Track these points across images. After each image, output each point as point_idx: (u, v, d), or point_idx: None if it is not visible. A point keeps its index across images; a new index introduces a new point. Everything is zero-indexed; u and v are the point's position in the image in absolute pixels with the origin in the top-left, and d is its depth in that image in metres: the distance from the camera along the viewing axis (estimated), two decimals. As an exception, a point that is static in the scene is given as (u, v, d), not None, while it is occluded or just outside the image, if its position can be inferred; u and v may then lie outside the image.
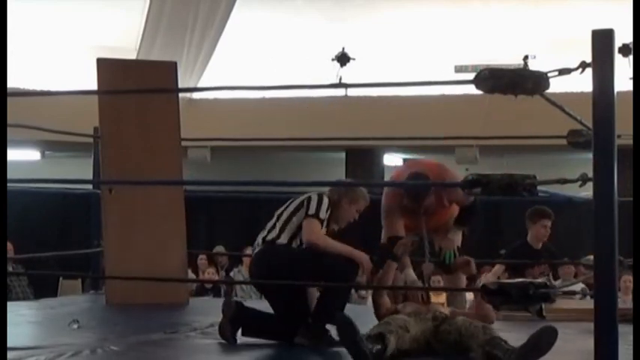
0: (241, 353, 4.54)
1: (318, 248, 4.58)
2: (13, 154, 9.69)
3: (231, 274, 10.59)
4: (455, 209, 5.06)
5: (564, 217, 10.91)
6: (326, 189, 4.87)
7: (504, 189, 3.31)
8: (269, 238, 4.71)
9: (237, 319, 4.66)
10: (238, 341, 4.66)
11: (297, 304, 4.69)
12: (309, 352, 4.53)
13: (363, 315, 4.59)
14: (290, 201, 4.75)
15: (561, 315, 5.63)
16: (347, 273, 4.59)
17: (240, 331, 4.66)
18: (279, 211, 4.77)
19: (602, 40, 3.09)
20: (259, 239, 4.77)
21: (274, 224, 4.73)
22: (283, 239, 4.67)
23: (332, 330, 4.32)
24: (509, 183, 3.32)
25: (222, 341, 4.66)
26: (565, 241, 10.71)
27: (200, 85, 12.02)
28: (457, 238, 5.03)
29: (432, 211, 4.88)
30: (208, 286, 10.02)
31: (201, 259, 10.87)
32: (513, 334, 4.24)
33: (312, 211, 4.60)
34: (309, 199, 4.66)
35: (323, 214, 4.62)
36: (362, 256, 4.61)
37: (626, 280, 7.65)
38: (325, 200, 4.65)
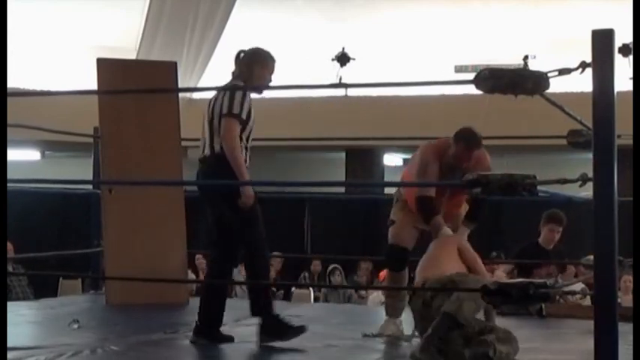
0: (241, 353, 4.54)
1: (227, 152, 4.46)
2: (13, 154, 9.70)
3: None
4: (465, 204, 5.05)
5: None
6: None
7: (504, 189, 3.31)
8: (201, 156, 4.63)
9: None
10: (238, 341, 4.66)
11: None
12: (308, 352, 4.53)
13: (363, 315, 4.58)
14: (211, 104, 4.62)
15: (562, 310, 5.63)
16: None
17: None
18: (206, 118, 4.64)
19: (602, 40, 3.08)
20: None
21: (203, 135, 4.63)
22: (207, 151, 4.58)
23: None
24: (509, 183, 3.32)
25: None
26: (565, 241, 10.73)
27: (200, 85, 12.03)
28: (464, 237, 4.97)
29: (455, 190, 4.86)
30: (208, 286, 10.01)
31: (198, 259, 10.87)
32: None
33: (225, 109, 4.48)
34: (223, 95, 4.53)
35: (237, 109, 4.48)
36: (247, 191, 4.48)
37: (626, 280, 7.65)
38: (239, 93, 4.52)
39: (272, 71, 4.72)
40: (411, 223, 4.95)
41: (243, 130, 4.53)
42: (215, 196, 4.67)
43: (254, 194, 4.52)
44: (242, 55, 4.72)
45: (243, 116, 4.50)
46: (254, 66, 4.64)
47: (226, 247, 4.68)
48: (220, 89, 4.64)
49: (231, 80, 4.68)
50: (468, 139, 4.81)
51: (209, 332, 4.60)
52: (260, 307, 4.59)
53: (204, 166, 4.65)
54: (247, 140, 4.59)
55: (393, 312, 4.94)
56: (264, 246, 4.68)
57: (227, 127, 4.47)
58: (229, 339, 4.64)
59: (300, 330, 4.56)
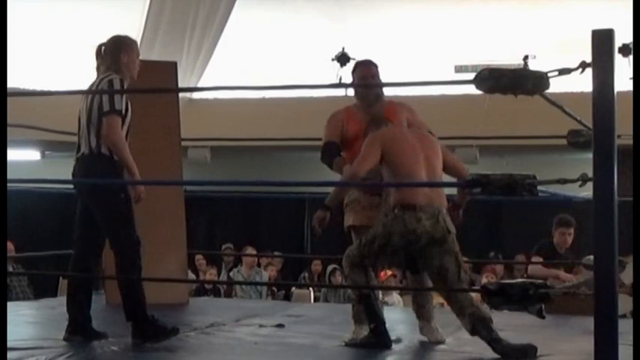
0: (241, 353, 4.54)
1: (115, 151, 4.41)
2: (13, 154, 9.69)
3: (231, 274, 10.59)
4: None
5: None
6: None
7: (504, 189, 3.31)
8: (78, 154, 4.54)
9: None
10: (238, 341, 4.66)
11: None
12: (308, 352, 4.54)
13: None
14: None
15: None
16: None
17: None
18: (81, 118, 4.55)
19: (602, 40, 3.08)
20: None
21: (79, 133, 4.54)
22: (85, 149, 4.50)
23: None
24: (509, 183, 3.32)
25: (223, 341, 4.66)
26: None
27: (200, 85, 12.03)
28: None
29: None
30: (208, 286, 10.03)
31: (198, 259, 10.88)
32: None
33: (106, 106, 4.39)
34: (100, 95, 4.43)
35: (118, 104, 4.41)
36: (139, 187, 4.50)
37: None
38: (116, 82, 4.44)
39: (138, 54, 4.67)
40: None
41: (122, 125, 4.46)
42: (92, 194, 4.54)
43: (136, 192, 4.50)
44: (103, 48, 4.62)
45: (123, 110, 4.43)
46: (121, 55, 4.56)
47: (92, 243, 4.59)
48: (93, 86, 4.55)
49: (103, 75, 4.55)
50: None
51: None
52: (128, 312, 4.51)
53: (82, 164, 4.52)
54: (127, 135, 4.53)
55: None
56: (132, 248, 4.60)
57: (111, 124, 4.38)
58: (102, 335, 4.53)
59: (173, 332, 4.48)
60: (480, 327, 4.25)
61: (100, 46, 4.64)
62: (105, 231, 4.53)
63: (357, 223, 4.85)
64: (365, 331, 4.64)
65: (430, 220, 4.42)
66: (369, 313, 4.58)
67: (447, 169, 4.66)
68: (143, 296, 4.56)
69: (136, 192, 4.66)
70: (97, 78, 4.58)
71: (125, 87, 4.53)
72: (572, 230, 7.22)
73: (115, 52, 4.57)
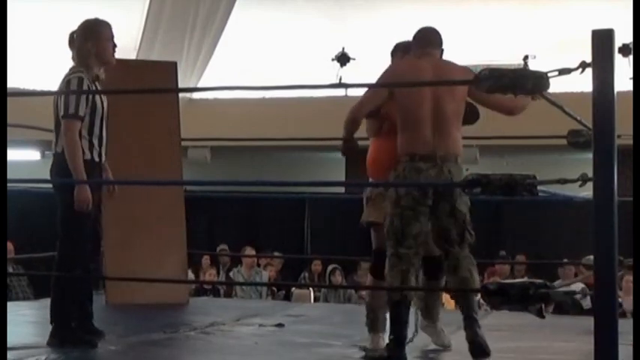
0: (242, 353, 4.54)
1: (66, 153, 4.34)
2: (13, 154, 9.69)
3: (231, 274, 10.59)
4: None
5: (564, 217, 10.94)
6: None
7: (504, 189, 3.31)
8: (54, 151, 4.48)
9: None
10: (238, 341, 4.66)
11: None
12: (308, 352, 4.53)
13: (363, 315, 4.58)
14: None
15: None
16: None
17: None
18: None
19: (602, 40, 3.08)
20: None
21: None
22: (54, 147, 4.47)
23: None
24: (509, 183, 3.32)
25: (223, 341, 4.66)
26: (565, 241, 10.72)
27: (200, 85, 12.02)
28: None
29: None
30: (208, 286, 10.03)
31: (205, 259, 10.89)
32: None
33: (61, 110, 4.33)
34: (60, 95, 4.35)
35: (72, 108, 4.30)
36: (80, 194, 4.28)
37: (628, 280, 7.61)
38: (73, 85, 4.33)
39: (111, 36, 4.50)
40: None
41: (92, 125, 4.39)
42: (55, 193, 4.55)
43: (90, 199, 4.32)
44: (75, 36, 4.49)
45: (81, 112, 4.32)
46: (88, 43, 4.42)
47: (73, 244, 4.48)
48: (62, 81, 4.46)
49: (71, 68, 4.46)
50: (406, 46, 4.45)
51: (62, 333, 4.40)
52: (54, 314, 4.47)
53: (53, 162, 4.51)
54: (100, 132, 4.46)
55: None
56: (76, 251, 4.44)
57: (66, 127, 4.33)
58: (89, 341, 4.39)
59: (91, 343, 4.36)
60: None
61: (71, 34, 4.51)
62: (58, 228, 4.47)
63: (381, 220, 4.32)
64: (382, 340, 4.33)
65: (433, 169, 4.05)
66: (395, 321, 4.09)
67: (490, 106, 4.29)
68: (72, 302, 4.46)
69: (108, 191, 4.66)
70: (69, 70, 4.48)
71: (89, 88, 4.40)
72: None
73: (81, 42, 4.44)
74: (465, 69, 4.20)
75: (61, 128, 4.36)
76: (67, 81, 4.40)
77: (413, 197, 4.03)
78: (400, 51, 4.60)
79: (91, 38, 4.44)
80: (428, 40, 4.30)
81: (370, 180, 4.62)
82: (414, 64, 4.25)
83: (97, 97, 4.41)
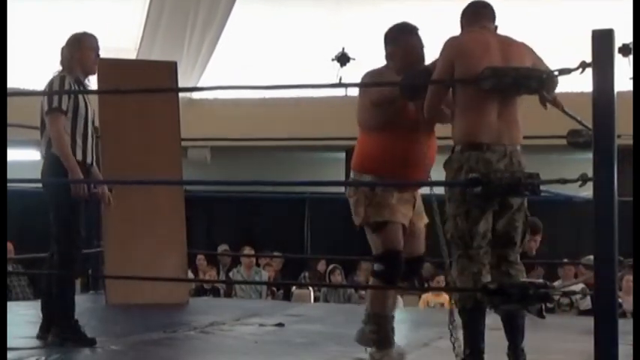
0: (242, 352, 4.54)
1: (54, 146, 4.40)
2: (13, 154, 9.68)
3: (230, 274, 10.59)
4: None
5: (564, 217, 10.93)
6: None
7: (505, 189, 3.31)
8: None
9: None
10: (238, 340, 4.66)
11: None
12: (308, 352, 4.53)
13: (363, 315, 4.57)
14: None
15: None
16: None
17: None
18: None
19: (602, 40, 3.08)
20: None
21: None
22: (42, 148, 4.52)
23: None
24: (510, 183, 3.32)
25: (223, 340, 4.66)
26: (565, 241, 10.72)
27: (200, 85, 12.02)
28: None
29: None
30: (207, 286, 10.03)
31: (199, 259, 10.87)
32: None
33: (45, 105, 4.43)
34: (47, 92, 4.47)
35: (56, 101, 4.40)
36: (75, 189, 4.39)
37: (628, 280, 7.60)
38: (56, 83, 4.49)
39: (94, 46, 4.65)
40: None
41: (75, 122, 4.45)
42: (48, 195, 4.57)
43: (86, 193, 4.44)
44: (62, 48, 4.68)
45: (63, 107, 4.41)
46: (74, 52, 4.60)
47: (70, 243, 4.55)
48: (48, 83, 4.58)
49: (58, 71, 4.62)
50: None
51: (63, 332, 4.41)
52: (57, 312, 4.48)
53: (43, 163, 4.55)
54: (85, 131, 4.50)
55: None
56: (72, 249, 4.53)
57: (51, 122, 4.42)
58: (90, 340, 4.42)
59: (92, 341, 4.38)
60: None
61: (62, 48, 4.70)
62: (52, 228, 4.52)
63: (393, 218, 4.00)
64: (386, 356, 4.05)
65: (503, 160, 3.56)
66: (471, 332, 3.58)
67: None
68: (72, 299, 4.51)
69: (101, 191, 4.67)
70: (54, 73, 4.63)
71: (74, 87, 4.51)
72: (537, 237, 6.81)
73: (66, 50, 4.63)
74: (528, 46, 3.81)
75: (47, 124, 4.43)
76: (50, 81, 4.56)
77: (485, 197, 3.47)
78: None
79: (75, 46, 4.62)
80: (483, 13, 3.89)
81: (352, 177, 4.21)
82: (481, 37, 3.72)
83: (81, 98, 4.50)
